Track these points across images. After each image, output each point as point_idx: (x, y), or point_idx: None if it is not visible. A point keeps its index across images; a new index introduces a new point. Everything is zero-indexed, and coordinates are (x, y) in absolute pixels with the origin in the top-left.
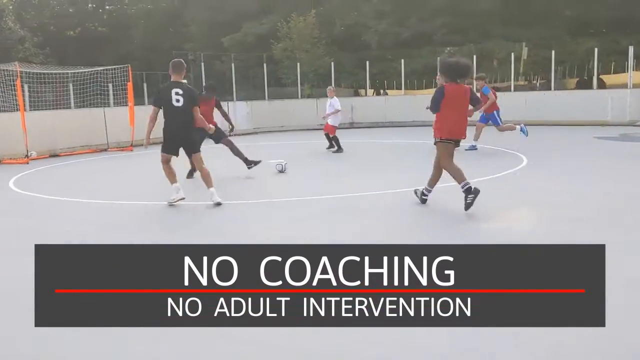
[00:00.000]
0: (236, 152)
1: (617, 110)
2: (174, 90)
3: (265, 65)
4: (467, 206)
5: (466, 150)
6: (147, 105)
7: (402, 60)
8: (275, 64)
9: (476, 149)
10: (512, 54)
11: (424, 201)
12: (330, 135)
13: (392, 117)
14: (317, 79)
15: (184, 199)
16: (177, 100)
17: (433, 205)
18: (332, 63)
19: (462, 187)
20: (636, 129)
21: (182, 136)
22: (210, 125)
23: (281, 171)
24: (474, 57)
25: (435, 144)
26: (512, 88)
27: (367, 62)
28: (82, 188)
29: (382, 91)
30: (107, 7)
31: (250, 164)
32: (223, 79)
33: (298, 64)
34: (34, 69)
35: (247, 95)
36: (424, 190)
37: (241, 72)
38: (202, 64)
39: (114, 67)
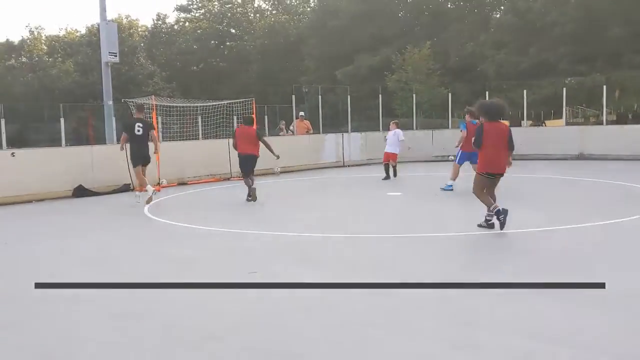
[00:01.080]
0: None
1: None
2: (136, 124)
3: (380, 96)
4: (502, 225)
5: (441, 189)
6: (267, 137)
7: (525, 91)
8: (389, 95)
9: (451, 189)
10: None
11: (491, 226)
12: (394, 164)
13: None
14: (431, 110)
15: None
16: (139, 130)
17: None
18: (450, 94)
19: (492, 210)
20: None
21: (143, 153)
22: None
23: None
24: (604, 87)
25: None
26: None
27: (487, 92)
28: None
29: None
30: (228, 42)
31: (248, 197)
32: (337, 110)
33: (414, 95)
34: (166, 102)
35: (360, 126)
36: (486, 218)
37: (355, 103)
38: (320, 96)
39: (239, 100)
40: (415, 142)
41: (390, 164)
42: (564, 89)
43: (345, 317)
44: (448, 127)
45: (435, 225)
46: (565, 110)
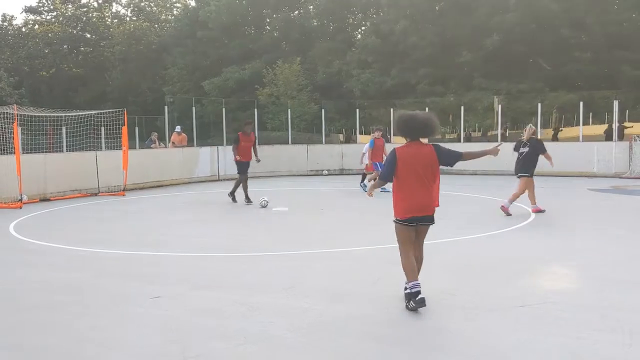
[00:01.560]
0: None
1: (603, 162)
2: None
3: (256, 110)
4: (412, 306)
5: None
6: (138, 150)
7: (392, 110)
8: (261, 109)
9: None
10: (498, 105)
11: (421, 302)
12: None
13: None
14: (302, 125)
15: None
16: None
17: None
18: (323, 110)
19: (409, 287)
20: (624, 182)
21: None
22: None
23: (264, 206)
24: (461, 107)
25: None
26: (499, 138)
27: (357, 110)
28: (104, 236)
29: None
30: (82, 48)
31: (246, 200)
32: (204, 122)
33: (289, 110)
34: (29, 112)
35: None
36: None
37: (221, 116)
38: (194, 108)
39: (108, 111)
40: (290, 157)
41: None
42: (426, 109)
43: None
44: (322, 143)
45: (324, 241)
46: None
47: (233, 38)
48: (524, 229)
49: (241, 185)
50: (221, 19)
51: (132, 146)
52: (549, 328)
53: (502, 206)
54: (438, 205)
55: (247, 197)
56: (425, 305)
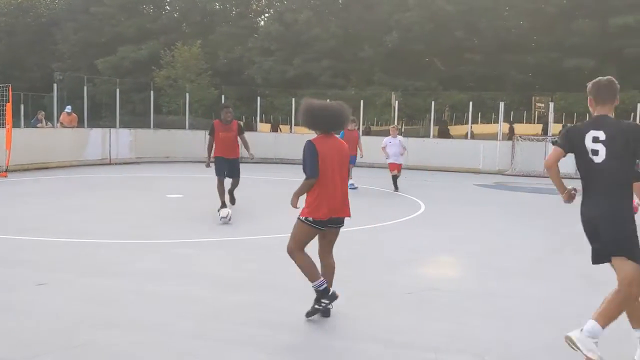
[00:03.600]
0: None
1: (488, 159)
2: None
3: (152, 92)
4: (312, 313)
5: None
6: (22, 128)
7: (293, 99)
8: (157, 91)
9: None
10: (395, 101)
11: (326, 313)
12: (398, 174)
13: (282, 154)
14: (202, 110)
15: None
16: None
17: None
18: (223, 96)
19: (317, 286)
20: (506, 178)
21: None
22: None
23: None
24: (361, 101)
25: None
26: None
27: (259, 98)
28: None
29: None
30: None
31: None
32: (96, 102)
33: (187, 94)
34: None
35: (128, 121)
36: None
37: (114, 97)
38: (85, 87)
39: None
40: (187, 143)
41: (395, 174)
42: (328, 101)
43: None
44: None
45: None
46: None
47: (130, 16)
48: (413, 221)
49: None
50: None
51: (16, 125)
52: (433, 313)
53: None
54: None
55: (222, 204)
56: (337, 297)
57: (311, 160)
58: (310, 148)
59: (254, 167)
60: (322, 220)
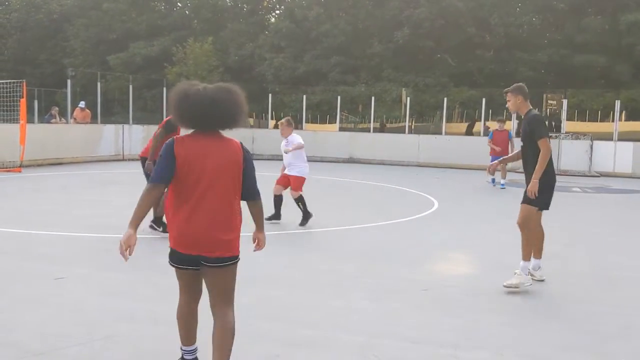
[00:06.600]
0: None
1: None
2: None
3: (165, 89)
4: None
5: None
6: (36, 124)
7: (304, 96)
8: (170, 88)
9: None
10: (406, 97)
11: None
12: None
13: None
14: None
15: None
16: None
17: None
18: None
19: (187, 353)
20: (519, 175)
21: None
22: None
23: None
24: (372, 98)
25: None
26: (407, 130)
27: (270, 95)
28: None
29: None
30: None
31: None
32: (108, 99)
33: None
34: None
35: (141, 117)
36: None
37: (127, 93)
38: (99, 83)
39: (6, 81)
40: None
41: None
42: (339, 97)
43: None
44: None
45: None
46: (340, 116)
47: (141, 12)
48: (426, 218)
49: None
50: None
51: (30, 120)
52: (450, 310)
53: None
54: (237, 238)
55: None
56: None
57: (160, 161)
58: (165, 148)
59: (265, 164)
60: (181, 255)
